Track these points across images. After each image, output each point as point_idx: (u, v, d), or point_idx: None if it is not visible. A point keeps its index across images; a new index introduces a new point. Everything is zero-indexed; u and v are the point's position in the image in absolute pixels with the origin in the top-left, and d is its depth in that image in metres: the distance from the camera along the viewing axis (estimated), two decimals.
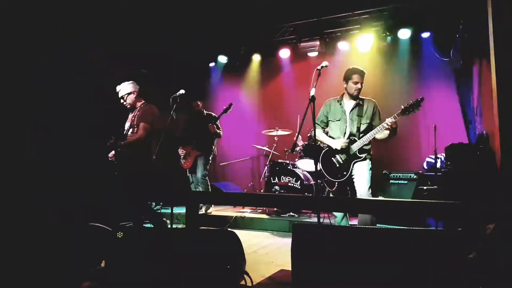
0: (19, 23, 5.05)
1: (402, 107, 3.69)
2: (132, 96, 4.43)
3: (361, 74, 3.92)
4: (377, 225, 4.14)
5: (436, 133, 5.27)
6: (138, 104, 4.45)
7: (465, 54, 5.93)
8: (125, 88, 4.43)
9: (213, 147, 5.86)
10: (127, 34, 6.48)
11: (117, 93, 4.47)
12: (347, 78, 3.94)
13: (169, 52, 7.65)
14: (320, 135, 3.99)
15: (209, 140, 5.79)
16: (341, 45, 7.05)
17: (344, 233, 1.49)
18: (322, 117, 4.09)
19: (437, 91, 6.36)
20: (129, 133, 4.32)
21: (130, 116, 4.46)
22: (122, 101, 4.47)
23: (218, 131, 5.67)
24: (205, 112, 5.94)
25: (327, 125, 4.13)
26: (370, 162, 3.87)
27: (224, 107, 5.63)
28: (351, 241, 1.41)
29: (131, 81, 4.49)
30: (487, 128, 5.08)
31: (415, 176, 5.19)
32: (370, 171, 3.83)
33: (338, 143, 3.87)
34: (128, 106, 4.46)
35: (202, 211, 5.86)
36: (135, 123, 4.32)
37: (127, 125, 4.41)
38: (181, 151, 5.87)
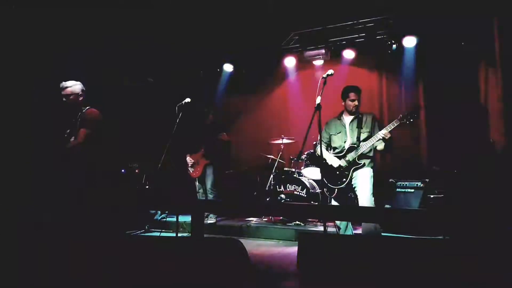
0: (21, 29, 5.10)
1: (400, 115, 3.78)
2: (76, 98, 4.08)
3: (357, 91, 4.03)
4: (382, 234, 4.11)
5: (441, 141, 5.23)
6: (82, 108, 4.11)
7: (471, 59, 5.91)
8: (72, 88, 4.08)
9: (221, 156, 5.89)
10: (132, 43, 6.55)
11: (61, 89, 4.10)
12: (344, 96, 4.07)
13: (175, 61, 7.72)
14: (322, 151, 4.09)
15: (218, 149, 5.82)
16: (346, 53, 7.06)
17: (351, 243, 1.48)
18: (325, 134, 4.21)
19: (442, 99, 6.32)
20: (70, 139, 3.99)
21: (73, 120, 4.11)
22: (64, 99, 4.09)
23: (229, 139, 5.74)
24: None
25: (330, 141, 4.23)
26: (371, 169, 3.89)
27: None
28: (358, 251, 1.40)
29: (79, 82, 4.14)
30: (494, 135, 5.04)
31: (422, 185, 5.13)
32: (372, 179, 3.85)
33: (334, 161, 3.97)
34: (68, 108, 4.13)
35: (213, 220, 5.85)
36: (76, 128, 3.99)
37: (68, 130, 4.10)
38: (189, 160, 5.86)
